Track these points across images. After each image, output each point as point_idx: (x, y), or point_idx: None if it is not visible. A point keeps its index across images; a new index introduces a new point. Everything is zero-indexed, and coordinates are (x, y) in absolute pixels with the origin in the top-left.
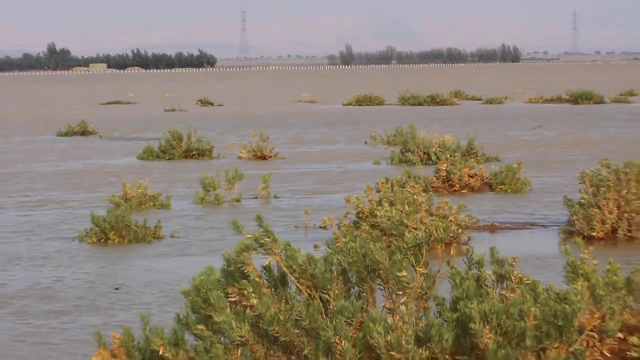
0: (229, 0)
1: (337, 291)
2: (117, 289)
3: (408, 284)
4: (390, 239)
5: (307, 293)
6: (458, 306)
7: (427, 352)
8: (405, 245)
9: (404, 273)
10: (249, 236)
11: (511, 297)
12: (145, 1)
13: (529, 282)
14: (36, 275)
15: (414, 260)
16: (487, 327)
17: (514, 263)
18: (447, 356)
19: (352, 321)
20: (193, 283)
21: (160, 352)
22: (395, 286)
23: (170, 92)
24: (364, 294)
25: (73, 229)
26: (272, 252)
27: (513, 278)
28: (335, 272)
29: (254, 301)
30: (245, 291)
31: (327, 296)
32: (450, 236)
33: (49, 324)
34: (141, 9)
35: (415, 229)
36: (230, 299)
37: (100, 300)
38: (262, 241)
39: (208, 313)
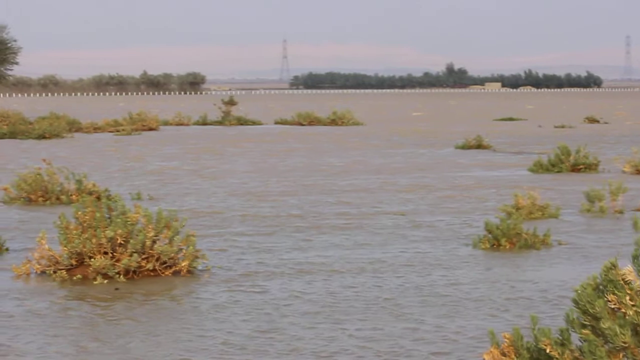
0: (614, 25)
1: None
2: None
3: None
4: None
5: None
6: None
7: None
8: None
9: None
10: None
11: None
12: (539, 26)
13: None
14: (431, 276)
15: None
16: None
17: None
18: None
19: None
20: (578, 290)
21: (548, 351)
22: None
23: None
24: None
25: (467, 235)
26: None
27: None
28: None
29: (630, 311)
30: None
31: None
32: None
33: (439, 321)
34: (535, 33)
35: None
36: (610, 305)
37: (493, 302)
38: None
39: (588, 323)
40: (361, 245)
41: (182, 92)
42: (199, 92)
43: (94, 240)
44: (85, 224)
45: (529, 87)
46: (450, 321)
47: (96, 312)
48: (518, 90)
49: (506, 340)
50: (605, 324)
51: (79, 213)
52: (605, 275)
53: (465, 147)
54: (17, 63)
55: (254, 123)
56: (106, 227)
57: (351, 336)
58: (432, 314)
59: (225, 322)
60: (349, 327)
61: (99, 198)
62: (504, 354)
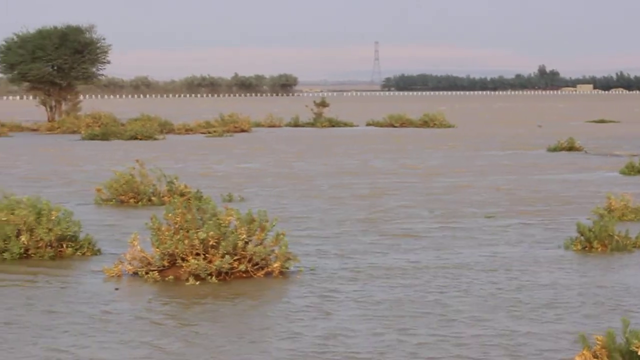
0: None
1: None
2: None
3: None
4: None
5: None
6: None
7: None
8: None
9: None
10: None
11: None
12: (633, 26)
13: None
14: (521, 279)
15: None
16: None
17: None
18: None
19: None
20: None
21: (639, 353)
22: None
23: None
24: None
25: (559, 237)
26: None
27: None
28: None
29: None
30: None
31: None
32: None
33: (533, 322)
34: (627, 33)
35: None
36: None
37: (583, 304)
38: None
39: None
40: (447, 248)
41: (274, 94)
42: (290, 94)
43: (186, 242)
44: (177, 226)
45: (621, 89)
46: (542, 324)
47: (187, 313)
48: (610, 92)
49: (598, 343)
50: None
51: (170, 215)
52: None
53: (557, 149)
54: (108, 62)
55: (345, 125)
56: (198, 229)
57: (428, 344)
58: (522, 317)
59: (306, 325)
60: (418, 333)
61: (190, 200)
62: (596, 357)
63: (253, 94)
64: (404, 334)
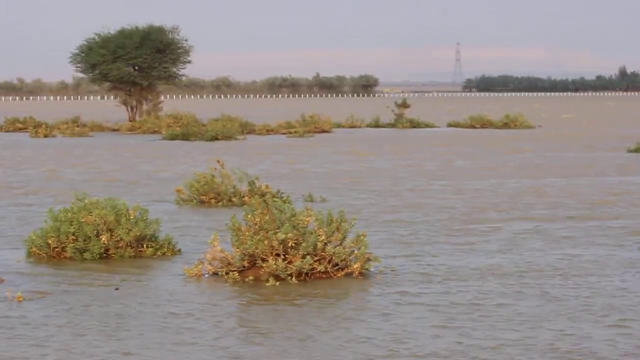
0: None
1: None
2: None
3: None
4: None
5: None
6: None
7: None
8: None
9: None
10: None
11: None
12: None
13: None
14: (601, 281)
15: None
16: None
17: None
18: None
19: None
20: None
21: None
22: None
23: None
24: None
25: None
26: None
27: None
28: None
29: None
30: None
31: None
32: None
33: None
34: None
35: None
36: None
37: None
38: None
39: None
40: (521, 251)
41: (355, 95)
42: (371, 95)
43: (265, 242)
44: (256, 226)
45: None
46: (610, 328)
47: (265, 314)
48: None
49: None
50: None
51: (249, 216)
52: None
53: (638, 150)
54: (189, 62)
55: (426, 125)
56: (277, 230)
57: (503, 347)
58: (592, 321)
59: (379, 328)
60: (488, 337)
61: (267, 200)
62: None
63: (334, 95)
64: (476, 338)
